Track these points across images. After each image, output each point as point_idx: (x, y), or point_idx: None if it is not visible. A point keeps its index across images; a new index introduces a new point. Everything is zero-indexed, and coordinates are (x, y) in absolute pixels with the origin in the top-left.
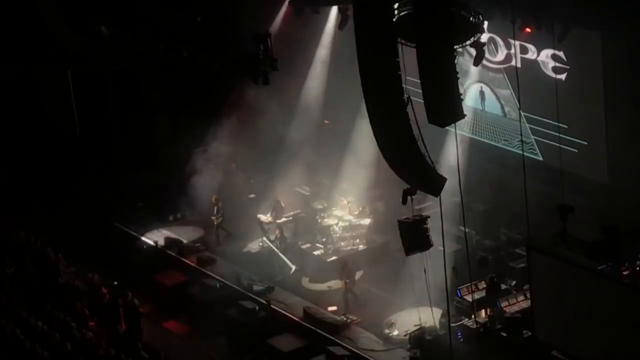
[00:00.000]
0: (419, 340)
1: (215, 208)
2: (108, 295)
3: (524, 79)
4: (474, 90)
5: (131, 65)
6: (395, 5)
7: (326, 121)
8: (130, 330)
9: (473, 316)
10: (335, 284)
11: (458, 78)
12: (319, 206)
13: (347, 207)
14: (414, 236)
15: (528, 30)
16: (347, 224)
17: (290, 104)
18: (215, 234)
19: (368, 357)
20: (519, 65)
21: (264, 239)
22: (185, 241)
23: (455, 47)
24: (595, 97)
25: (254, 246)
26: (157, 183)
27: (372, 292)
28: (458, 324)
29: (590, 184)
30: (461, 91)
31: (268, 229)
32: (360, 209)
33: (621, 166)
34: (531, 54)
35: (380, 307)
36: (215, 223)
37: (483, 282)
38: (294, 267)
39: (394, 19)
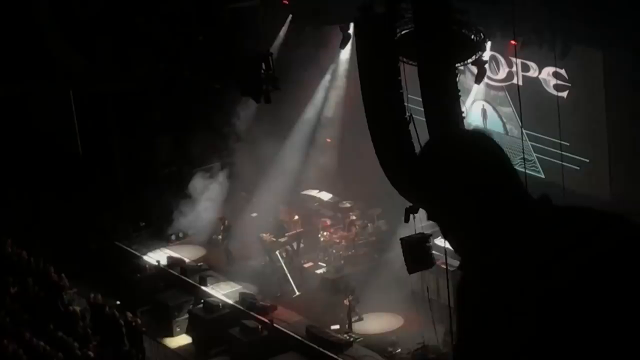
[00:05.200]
0: (422, 359)
1: (222, 227)
2: (110, 315)
3: (525, 97)
4: (476, 108)
5: (133, 85)
6: (397, 24)
7: (328, 139)
8: (132, 350)
9: None
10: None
11: (460, 96)
12: (321, 224)
13: (349, 225)
14: (416, 254)
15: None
16: (349, 242)
17: (292, 122)
18: (224, 253)
19: None
20: (520, 83)
21: (267, 257)
22: (187, 260)
23: (456, 65)
24: (597, 114)
25: (256, 265)
26: (159, 202)
27: (375, 310)
28: None
29: (593, 202)
30: (463, 109)
31: (270, 247)
32: (363, 227)
33: (623, 183)
34: (533, 72)
35: (383, 326)
36: (221, 241)
37: None
38: (297, 292)
39: (396, 38)
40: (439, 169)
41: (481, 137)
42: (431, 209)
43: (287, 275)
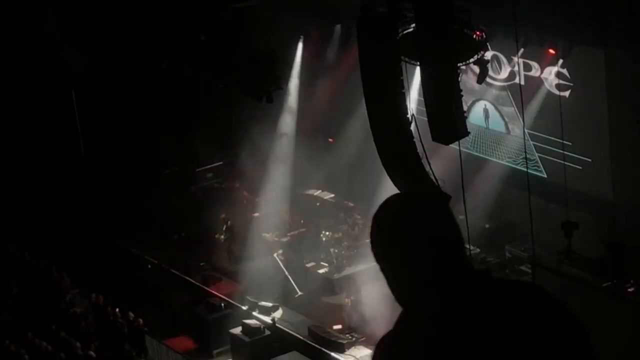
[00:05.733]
0: None
1: (224, 227)
2: (112, 315)
3: (527, 97)
4: (478, 108)
5: (134, 85)
6: (399, 24)
7: (330, 139)
8: (134, 350)
9: None
10: (342, 299)
11: (461, 96)
12: (323, 224)
13: (352, 224)
14: None
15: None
16: (352, 241)
17: (294, 121)
18: (227, 253)
19: None
20: (522, 82)
21: (270, 257)
22: (190, 260)
23: (458, 65)
24: (599, 113)
25: (258, 265)
26: (162, 202)
27: (378, 310)
28: None
29: (595, 201)
30: (465, 109)
31: (273, 247)
32: (365, 226)
33: (626, 183)
34: (535, 72)
35: (386, 325)
36: (223, 241)
37: None
38: (299, 292)
39: (397, 37)
40: (394, 232)
41: (438, 206)
42: (385, 265)
43: (288, 275)
